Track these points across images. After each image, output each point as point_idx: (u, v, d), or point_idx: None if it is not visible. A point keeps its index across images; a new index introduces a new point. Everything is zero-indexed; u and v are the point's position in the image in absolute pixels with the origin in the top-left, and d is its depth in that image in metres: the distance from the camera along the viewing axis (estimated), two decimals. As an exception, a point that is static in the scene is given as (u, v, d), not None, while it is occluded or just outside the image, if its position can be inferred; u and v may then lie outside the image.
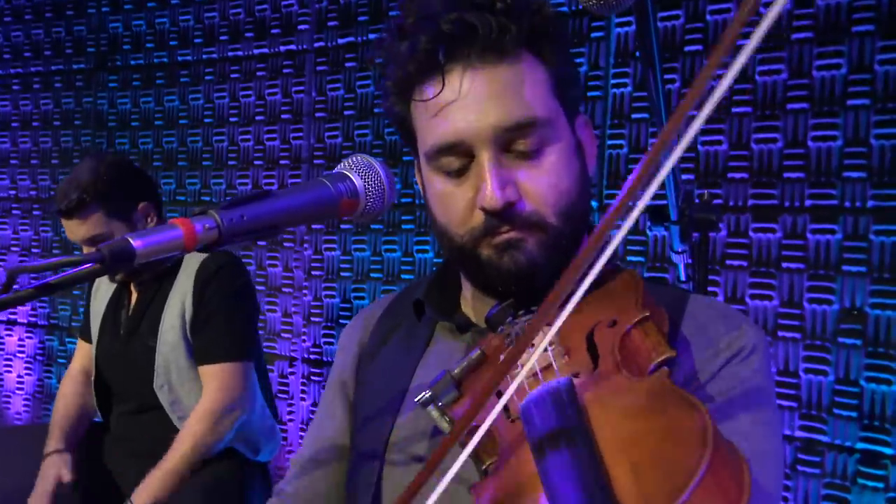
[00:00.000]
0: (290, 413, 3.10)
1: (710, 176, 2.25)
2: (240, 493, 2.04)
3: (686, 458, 0.58)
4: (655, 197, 2.10)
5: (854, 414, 2.04)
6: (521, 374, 0.69)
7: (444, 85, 0.89)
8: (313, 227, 3.06)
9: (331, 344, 3.02)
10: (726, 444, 0.61)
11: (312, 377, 3.06)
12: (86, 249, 2.04)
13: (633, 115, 2.38)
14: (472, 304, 1.01)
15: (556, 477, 0.62)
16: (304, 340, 3.09)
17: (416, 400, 0.85)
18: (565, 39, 0.96)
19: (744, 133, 2.21)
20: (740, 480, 0.59)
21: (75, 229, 2.00)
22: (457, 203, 0.91)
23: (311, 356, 3.07)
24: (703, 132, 2.27)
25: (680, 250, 1.25)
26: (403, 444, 0.94)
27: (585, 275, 0.64)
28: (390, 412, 0.96)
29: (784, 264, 2.15)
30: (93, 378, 2.19)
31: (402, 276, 2.84)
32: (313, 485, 1.04)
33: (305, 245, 3.08)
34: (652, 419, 0.67)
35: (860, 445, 2.03)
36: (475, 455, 0.79)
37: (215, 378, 1.98)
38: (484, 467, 0.79)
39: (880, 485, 2.01)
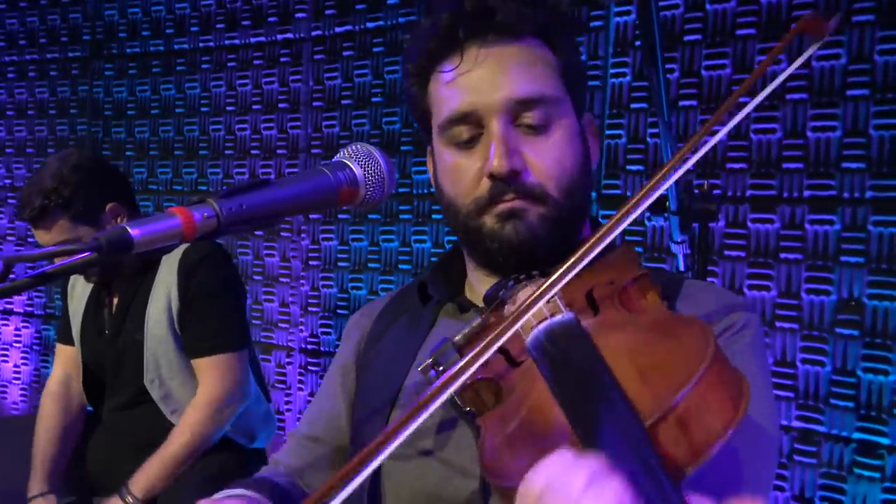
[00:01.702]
0: (287, 403, 3.10)
1: (709, 166, 2.24)
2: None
3: (690, 357, 0.62)
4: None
5: (851, 404, 2.05)
6: (524, 318, 0.72)
7: (461, 59, 0.94)
8: (311, 216, 3.05)
9: (328, 334, 3.02)
10: (725, 357, 0.66)
11: (310, 367, 3.06)
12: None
13: (632, 105, 2.37)
14: (476, 287, 1.02)
15: (572, 390, 0.65)
16: (301, 330, 3.08)
17: (418, 368, 0.88)
18: (575, 35, 1.00)
19: (742, 124, 2.20)
20: (739, 382, 0.64)
21: (41, 237, 1.95)
22: (465, 173, 0.95)
23: (309, 346, 3.07)
24: (702, 122, 2.26)
25: (679, 240, 1.24)
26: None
27: (593, 248, 0.68)
28: (390, 395, 0.97)
29: (782, 255, 2.15)
30: (81, 378, 2.16)
31: (400, 267, 2.84)
32: (308, 460, 1.06)
33: (303, 235, 3.07)
34: (655, 334, 0.72)
35: (857, 435, 2.04)
36: (474, 406, 0.82)
37: (212, 370, 1.96)
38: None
39: (876, 475, 2.01)
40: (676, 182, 1.15)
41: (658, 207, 1.18)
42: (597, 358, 0.67)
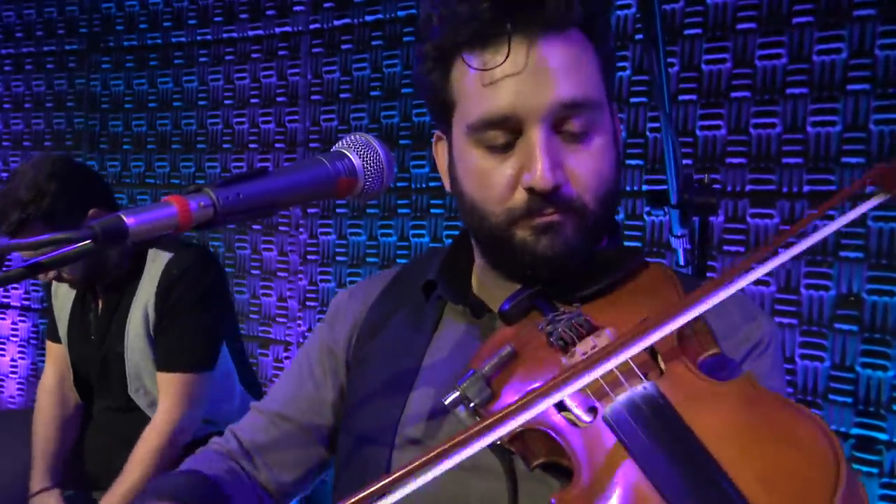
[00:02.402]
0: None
1: (709, 161, 2.24)
2: None
3: (821, 468, 0.56)
4: (654, 182, 2.08)
5: (849, 400, 2.05)
6: (589, 377, 0.68)
7: (508, 53, 0.84)
8: (309, 210, 3.04)
9: (326, 328, 3.01)
10: (854, 477, 0.60)
11: (307, 361, 3.05)
12: None
13: (632, 100, 2.37)
14: (485, 286, 0.98)
15: (681, 487, 0.60)
16: (299, 325, 3.07)
17: (444, 401, 0.81)
18: (610, 19, 0.95)
19: (742, 118, 2.19)
20: (864, 498, 0.58)
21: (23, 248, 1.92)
22: (497, 180, 0.88)
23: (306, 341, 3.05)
24: (701, 117, 2.26)
25: (679, 234, 1.24)
26: (414, 430, 0.91)
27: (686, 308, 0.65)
28: (399, 395, 0.93)
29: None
30: (71, 377, 2.13)
31: (398, 261, 2.83)
32: (277, 438, 1.01)
33: (301, 229, 3.06)
34: (759, 426, 0.64)
35: (855, 431, 2.04)
36: (524, 456, 0.77)
37: (173, 387, 1.91)
38: (533, 466, 0.77)
39: (875, 470, 2.01)
40: (677, 176, 1.14)
41: (657, 201, 1.17)
42: (702, 450, 0.62)
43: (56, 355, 2.19)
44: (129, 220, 0.55)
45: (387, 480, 0.64)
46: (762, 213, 2.17)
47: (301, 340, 3.07)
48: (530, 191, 0.86)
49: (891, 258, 2.00)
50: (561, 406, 0.75)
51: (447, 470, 0.68)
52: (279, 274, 3.13)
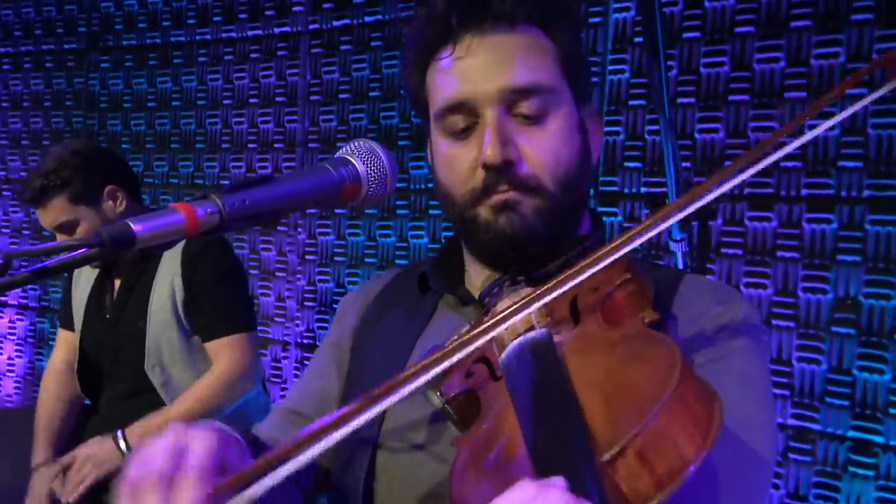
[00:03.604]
0: (283, 398, 3.09)
1: (707, 164, 2.24)
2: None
3: (654, 383, 0.59)
4: (652, 184, 2.09)
5: (846, 403, 2.05)
6: (497, 331, 0.70)
7: (454, 48, 0.93)
8: (308, 211, 3.04)
9: (324, 329, 3.01)
10: (698, 378, 0.63)
11: (306, 362, 3.06)
12: (58, 236, 2.03)
13: (631, 102, 2.37)
14: (475, 279, 1.01)
15: (532, 418, 0.63)
16: (297, 325, 3.08)
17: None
18: (576, 23, 0.99)
19: (741, 120, 2.20)
20: (710, 409, 0.60)
21: (42, 217, 2.01)
22: (460, 163, 0.94)
23: (305, 341, 3.06)
24: (700, 119, 2.27)
25: (678, 238, 1.24)
26: (398, 421, 0.93)
27: (590, 266, 0.67)
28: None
29: (779, 253, 2.15)
30: (75, 365, 2.17)
31: (397, 262, 2.83)
32: (290, 431, 1.04)
33: (299, 229, 3.06)
34: (625, 357, 0.69)
35: (851, 434, 2.05)
36: (462, 419, 0.80)
37: (226, 349, 1.99)
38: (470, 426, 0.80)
39: (871, 473, 2.02)
40: (676, 181, 1.15)
41: (656, 204, 1.18)
42: (561, 383, 0.65)
43: (66, 343, 2.25)
44: (136, 226, 0.55)
45: (322, 424, 0.63)
46: (759, 216, 2.18)
47: (299, 340, 3.07)
48: (485, 167, 0.91)
49: (888, 262, 2.01)
50: (491, 370, 0.80)
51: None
52: (277, 274, 3.13)
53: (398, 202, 2.81)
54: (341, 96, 2.96)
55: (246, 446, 0.71)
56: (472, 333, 0.68)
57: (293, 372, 3.09)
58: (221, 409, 1.98)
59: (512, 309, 0.70)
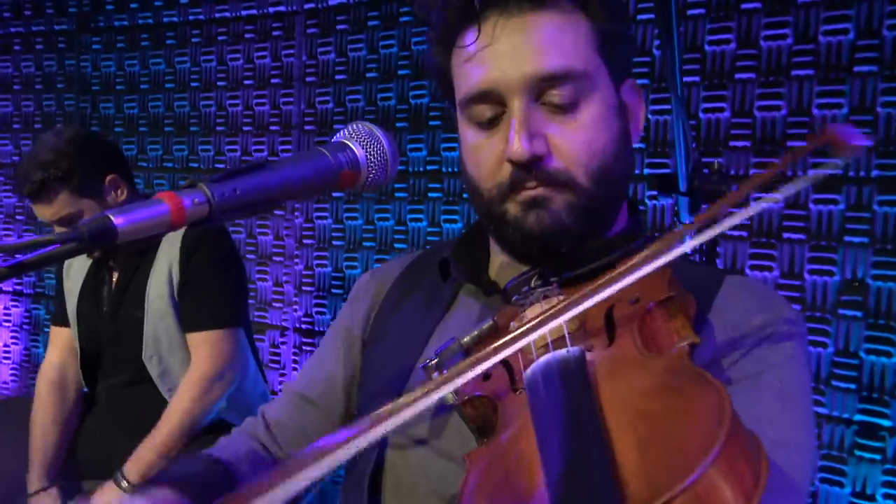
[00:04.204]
0: (281, 383, 3.07)
1: (712, 144, 2.20)
2: None
3: (698, 438, 0.53)
4: (655, 165, 2.02)
5: (853, 386, 2.03)
6: (524, 341, 0.66)
7: (479, 31, 0.86)
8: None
9: (322, 314, 2.98)
10: (745, 430, 0.57)
11: (304, 347, 3.03)
12: (57, 229, 1.97)
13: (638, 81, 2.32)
14: (500, 270, 0.96)
15: (555, 451, 0.59)
16: (295, 310, 3.04)
17: (420, 365, 0.82)
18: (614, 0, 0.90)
19: (747, 100, 2.15)
20: (757, 471, 0.54)
21: (43, 211, 1.93)
22: (486, 155, 0.88)
23: (303, 326, 3.03)
24: (705, 99, 2.22)
25: (689, 222, 1.20)
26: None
27: (624, 275, 0.62)
28: (401, 377, 0.92)
29: (785, 235, 2.11)
30: (78, 357, 2.13)
31: (396, 246, 2.79)
32: (297, 417, 1.02)
33: (296, 213, 3.02)
34: (664, 396, 0.63)
35: (858, 417, 2.02)
36: (478, 426, 0.76)
37: (204, 346, 1.94)
38: (485, 436, 0.76)
39: (877, 456, 2.00)
40: (687, 162, 1.10)
41: (666, 187, 1.14)
42: (592, 416, 0.59)
43: (60, 340, 2.18)
44: (117, 219, 0.51)
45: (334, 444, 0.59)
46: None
47: (298, 325, 3.04)
48: (511, 162, 0.85)
49: (896, 243, 1.98)
50: (512, 378, 0.75)
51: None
52: (275, 258, 3.09)
53: (397, 185, 2.77)
54: (338, 77, 2.90)
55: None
56: (498, 343, 0.63)
57: (291, 357, 3.06)
58: (207, 413, 1.94)
59: (543, 317, 0.65)
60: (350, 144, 0.68)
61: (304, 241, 3.02)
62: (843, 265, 2.04)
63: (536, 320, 0.66)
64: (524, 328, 0.65)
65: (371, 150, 0.70)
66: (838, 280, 2.05)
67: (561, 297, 0.80)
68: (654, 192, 2.24)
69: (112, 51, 3.44)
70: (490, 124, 0.87)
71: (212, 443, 1.92)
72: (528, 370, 0.69)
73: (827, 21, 2.04)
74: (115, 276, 2.06)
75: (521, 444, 0.64)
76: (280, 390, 3.11)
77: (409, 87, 2.74)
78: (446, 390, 0.63)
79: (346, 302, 1.08)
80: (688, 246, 0.69)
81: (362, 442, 0.59)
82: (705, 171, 1.18)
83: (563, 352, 0.69)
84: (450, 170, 2.67)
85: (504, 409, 0.73)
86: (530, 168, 0.84)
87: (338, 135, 0.71)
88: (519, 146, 0.83)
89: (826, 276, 2.06)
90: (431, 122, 2.70)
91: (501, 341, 0.65)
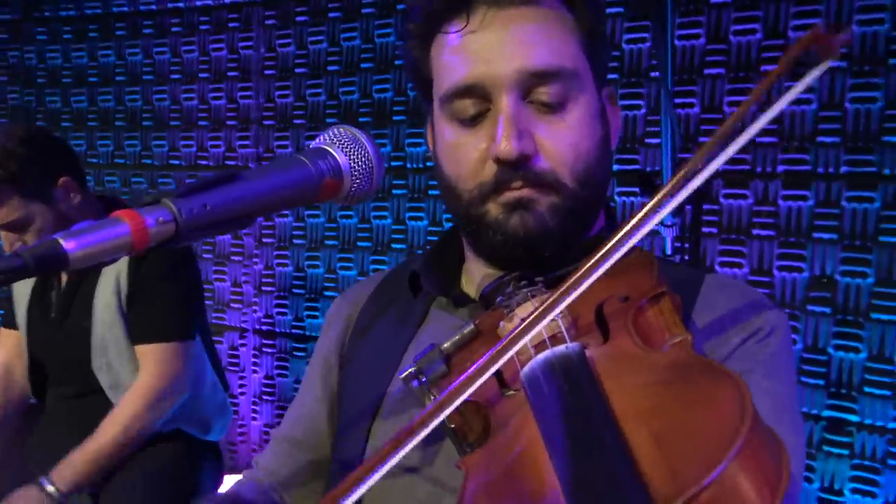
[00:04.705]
0: (241, 386, 2.98)
1: (683, 140, 2.18)
2: (191, 476, 1.92)
3: (719, 430, 0.51)
4: (626, 161, 1.97)
5: (821, 382, 2.03)
6: (525, 339, 0.63)
7: (467, 21, 0.82)
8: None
9: (284, 314, 2.89)
10: (764, 423, 0.55)
11: (265, 348, 2.94)
12: (3, 234, 1.85)
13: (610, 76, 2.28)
14: (474, 279, 0.92)
15: (565, 447, 0.56)
16: (255, 311, 2.95)
17: (400, 375, 0.78)
18: (599, 4, 0.87)
19: (717, 95, 2.14)
20: (779, 464, 0.53)
21: None
22: (468, 154, 0.84)
23: (263, 327, 2.94)
24: (676, 94, 2.19)
25: (669, 223, 1.16)
26: (387, 433, 0.85)
27: (608, 256, 0.59)
28: (372, 403, 0.88)
29: (755, 231, 2.10)
30: (27, 364, 2.02)
31: (359, 245, 2.72)
32: (288, 462, 0.97)
33: (256, 211, 2.93)
34: (676, 389, 0.60)
35: (826, 413, 2.03)
36: (460, 433, 0.72)
37: (152, 359, 1.85)
38: (471, 442, 0.72)
39: (845, 452, 2.01)
40: (672, 159, 1.06)
41: (649, 185, 1.10)
42: (601, 409, 0.57)
43: (8, 343, 2.07)
44: (67, 244, 0.44)
45: (339, 487, 0.58)
46: (735, 193, 2.12)
47: (257, 327, 2.95)
48: (496, 161, 0.81)
49: (865, 239, 1.98)
50: (501, 381, 0.72)
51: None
52: (233, 258, 2.99)
53: (395, 181, 2.69)
54: (298, 71, 2.81)
55: None
56: (498, 347, 0.60)
57: (251, 360, 2.97)
58: (148, 429, 1.85)
59: (539, 312, 0.61)
60: (331, 151, 0.61)
61: (264, 241, 2.92)
62: (812, 261, 2.04)
63: (532, 316, 0.63)
64: (522, 326, 0.62)
65: (355, 156, 0.63)
66: (807, 276, 2.05)
67: (544, 297, 0.76)
68: (625, 189, 2.21)
69: (58, 41, 3.29)
70: (473, 121, 0.83)
71: (165, 453, 1.86)
72: (526, 368, 0.66)
73: (796, 16, 2.03)
74: (63, 282, 1.96)
75: (523, 445, 0.62)
76: (239, 394, 3.02)
77: (372, 80, 2.67)
78: (457, 403, 0.60)
79: (322, 331, 1.03)
80: (672, 204, 0.66)
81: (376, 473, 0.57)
82: (688, 171, 1.14)
83: (562, 348, 0.66)
84: (415, 166, 2.61)
85: (495, 412, 0.69)
86: (517, 168, 0.81)
87: (317, 140, 0.64)
88: (507, 144, 0.79)
89: (795, 272, 2.06)
90: (395, 118, 2.63)
91: (505, 341, 0.61)
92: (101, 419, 1.87)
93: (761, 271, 2.10)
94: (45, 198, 1.82)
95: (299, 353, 2.86)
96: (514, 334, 0.61)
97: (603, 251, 0.65)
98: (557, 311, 0.62)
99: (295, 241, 2.85)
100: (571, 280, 0.64)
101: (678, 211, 1.14)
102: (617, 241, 0.65)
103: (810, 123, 2.03)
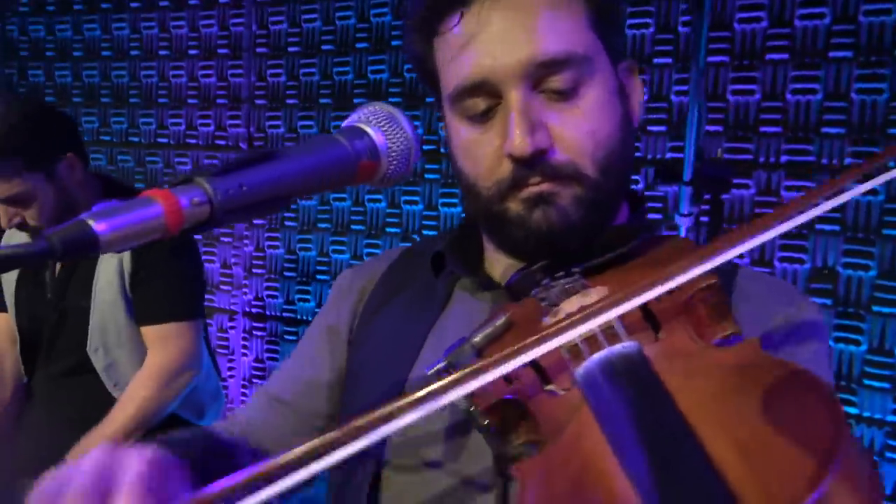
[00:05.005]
0: (230, 370, 2.93)
1: (684, 128, 2.15)
2: None
3: (815, 442, 0.48)
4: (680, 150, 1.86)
5: (819, 374, 2.02)
6: (567, 336, 0.59)
7: (462, 16, 0.77)
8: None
9: (274, 297, 2.85)
10: (856, 442, 0.52)
11: (255, 331, 2.89)
12: (1, 209, 1.79)
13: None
14: (497, 265, 0.89)
15: (642, 457, 0.52)
16: (244, 293, 2.90)
17: (428, 371, 0.73)
18: None
19: (720, 84, 2.11)
20: (875, 478, 0.50)
21: None
22: (483, 151, 0.80)
23: (253, 310, 2.89)
24: (675, 81, 2.16)
25: (687, 213, 1.13)
26: (407, 433, 0.81)
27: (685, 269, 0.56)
28: (398, 374, 0.84)
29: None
30: (18, 347, 1.97)
31: (353, 228, 2.68)
32: (272, 419, 0.94)
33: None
34: (754, 392, 0.56)
35: (824, 405, 2.02)
36: (496, 431, 0.68)
37: (163, 339, 1.81)
38: (516, 444, 0.68)
39: (841, 444, 2.01)
40: (696, 148, 1.03)
41: (668, 175, 1.06)
42: (676, 416, 0.54)
43: None
44: (98, 226, 0.39)
45: (324, 438, 0.55)
46: (738, 183, 2.10)
47: (247, 309, 2.90)
48: (511, 158, 0.78)
49: (867, 231, 1.97)
50: (544, 377, 0.68)
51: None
52: (223, 239, 2.94)
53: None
54: (291, 49, 2.74)
55: (187, 469, 0.61)
56: (524, 331, 0.55)
57: (241, 342, 2.92)
58: (163, 410, 1.82)
59: (587, 312, 0.58)
60: (367, 130, 0.57)
61: (255, 221, 2.87)
62: (814, 253, 2.02)
63: (583, 313, 0.59)
64: (569, 321, 0.58)
65: (392, 136, 0.58)
66: (808, 268, 2.03)
67: (590, 286, 0.73)
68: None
69: (41, 13, 3.20)
70: (484, 117, 0.79)
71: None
72: (582, 368, 0.62)
73: (803, 5, 2.01)
74: (59, 263, 1.90)
75: (586, 453, 0.58)
76: (229, 377, 2.96)
77: (367, 60, 2.61)
78: (466, 390, 0.56)
79: (330, 300, 0.99)
80: (763, 237, 0.63)
81: (351, 448, 0.53)
82: (707, 158, 1.12)
83: (618, 347, 0.62)
84: (410, 149, 2.56)
85: (542, 413, 0.65)
86: (533, 163, 0.77)
87: (351, 118, 0.59)
88: (521, 141, 0.75)
89: (796, 263, 2.05)
90: (391, 99, 2.58)
91: (542, 334, 0.58)
92: (92, 399, 1.84)
93: (762, 262, 2.08)
94: (49, 172, 1.76)
95: (290, 337, 2.82)
96: (557, 327, 0.57)
97: (683, 263, 0.61)
98: (615, 312, 0.58)
99: (287, 223, 2.80)
100: (638, 286, 0.60)
101: (696, 200, 1.11)
102: (710, 252, 0.61)
103: (815, 114, 2.00)
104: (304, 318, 2.78)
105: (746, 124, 2.08)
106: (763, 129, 2.06)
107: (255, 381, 2.90)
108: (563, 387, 0.66)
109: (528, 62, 0.76)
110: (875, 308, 1.96)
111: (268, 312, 2.87)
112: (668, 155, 2.15)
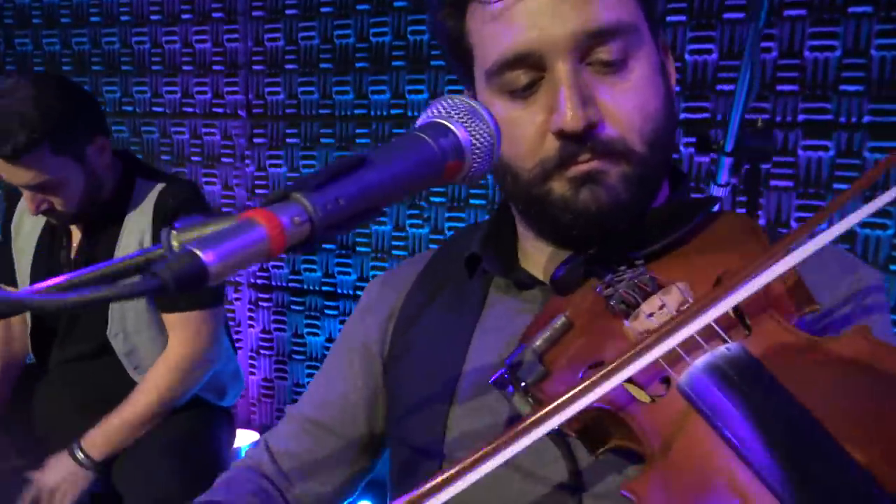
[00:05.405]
0: (238, 342, 2.91)
1: (699, 88, 2.11)
2: (211, 441, 1.88)
3: None
4: (693, 110, 1.83)
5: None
6: (667, 346, 0.56)
7: None
8: (255, 140, 2.79)
9: (279, 268, 2.81)
10: None
11: (260, 302, 2.87)
12: (27, 194, 1.72)
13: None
14: (534, 258, 0.86)
15: (777, 464, 0.51)
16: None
17: (490, 381, 0.70)
18: None
19: (736, 42, 2.06)
20: None
21: (20, 174, 1.63)
22: (525, 129, 0.76)
23: (258, 281, 2.86)
24: (691, 40, 2.12)
25: (724, 183, 1.10)
26: (466, 432, 0.79)
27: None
28: (445, 392, 0.81)
29: (773, 182, 2.06)
30: (28, 324, 1.93)
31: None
32: (311, 447, 0.92)
33: (247, 161, 2.81)
34: (881, 385, 0.55)
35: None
36: (589, 441, 0.67)
37: (184, 327, 1.78)
38: (600, 451, 0.67)
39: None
40: (741, 118, 1.00)
41: (706, 145, 1.03)
42: (806, 417, 0.52)
43: None
44: (206, 256, 0.36)
45: (433, 482, 0.56)
46: (753, 143, 2.07)
47: (252, 281, 2.87)
48: (560, 135, 0.74)
49: (886, 191, 1.95)
50: (634, 384, 0.66)
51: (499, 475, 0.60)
52: (224, 210, 2.89)
53: (359, 130, 2.59)
54: (288, 12, 2.66)
55: None
56: (641, 346, 0.54)
57: (247, 314, 2.90)
58: (181, 397, 1.80)
59: (689, 313, 0.56)
60: (450, 126, 0.53)
61: (257, 192, 2.82)
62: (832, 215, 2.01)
63: (680, 318, 0.57)
64: (666, 329, 0.56)
65: (475, 131, 0.54)
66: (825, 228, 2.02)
67: (659, 280, 0.70)
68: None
69: (25, -22, 3.09)
70: (524, 91, 0.76)
71: (184, 421, 1.81)
72: (685, 376, 0.60)
73: (822, -42, 1.96)
74: (76, 243, 1.85)
75: (706, 463, 0.56)
76: (237, 349, 2.95)
77: (368, 23, 2.54)
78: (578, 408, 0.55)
79: (356, 313, 0.96)
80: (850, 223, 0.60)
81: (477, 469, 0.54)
82: (748, 127, 1.08)
83: (722, 349, 0.60)
84: (415, 114, 2.51)
85: (639, 421, 0.63)
86: (583, 139, 0.73)
87: (429, 113, 0.55)
88: (573, 115, 0.72)
89: (813, 224, 2.03)
90: (394, 62, 2.51)
91: (641, 346, 0.56)
92: (112, 381, 1.82)
93: (778, 223, 2.06)
94: (79, 157, 1.68)
95: (296, 307, 2.80)
96: (657, 336, 0.55)
97: (773, 261, 0.59)
98: (713, 313, 0.56)
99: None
100: (730, 285, 0.58)
101: (737, 169, 1.09)
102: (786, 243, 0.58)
103: (833, 71, 1.97)
104: (311, 287, 2.76)
105: (763, 82, 2.04)
106: (780, 87, 2.03)
107: (262, 351, 2.88)
108: (657, 393, 0.64)
109: (578, 32, 0.72)
110: (892, 267, 1.95)
111: (273, 283, 2.84)
112: (682, 115, 2.11)
